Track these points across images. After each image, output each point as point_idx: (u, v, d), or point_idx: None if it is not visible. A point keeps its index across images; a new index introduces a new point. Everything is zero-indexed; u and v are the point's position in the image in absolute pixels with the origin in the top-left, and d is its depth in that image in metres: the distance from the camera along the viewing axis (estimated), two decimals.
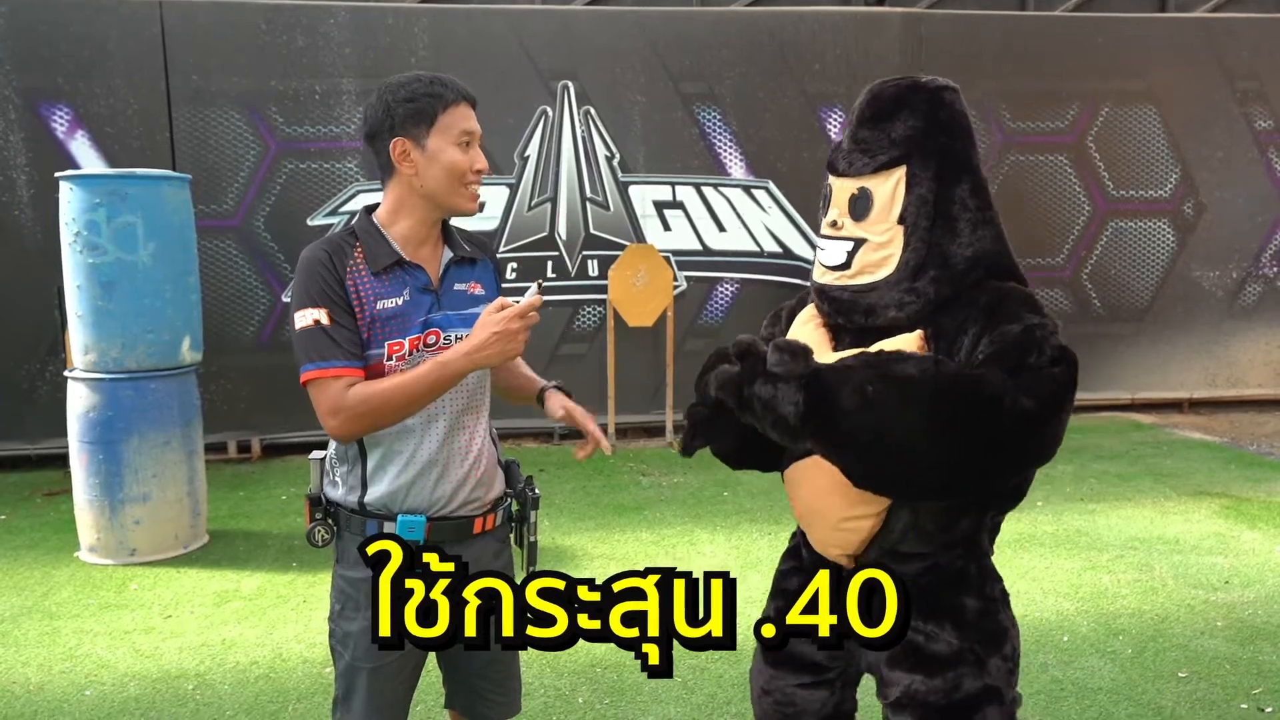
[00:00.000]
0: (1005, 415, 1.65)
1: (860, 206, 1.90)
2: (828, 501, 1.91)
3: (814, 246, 7.57)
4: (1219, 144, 8.19)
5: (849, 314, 1.92)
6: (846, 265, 1.90)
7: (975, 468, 1.69)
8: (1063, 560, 4.78)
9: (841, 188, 1.94)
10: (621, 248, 7.31)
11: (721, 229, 7.61)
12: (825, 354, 1.92)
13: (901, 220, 1.86)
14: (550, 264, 7.39)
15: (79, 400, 4.94)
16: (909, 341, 1.82)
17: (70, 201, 4.87)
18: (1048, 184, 7.99)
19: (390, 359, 1.96)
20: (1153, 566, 4.71)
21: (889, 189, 1.87)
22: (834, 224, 1.94)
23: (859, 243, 1.89)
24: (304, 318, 1.92)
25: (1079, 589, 4.44)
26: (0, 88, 6.60)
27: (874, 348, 1.83)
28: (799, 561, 2.15)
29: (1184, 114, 8.11)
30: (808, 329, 2.01)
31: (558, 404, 2.27)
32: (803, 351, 1.72)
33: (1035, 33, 7.98)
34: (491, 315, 1.93)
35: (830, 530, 1.96)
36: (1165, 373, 8.37)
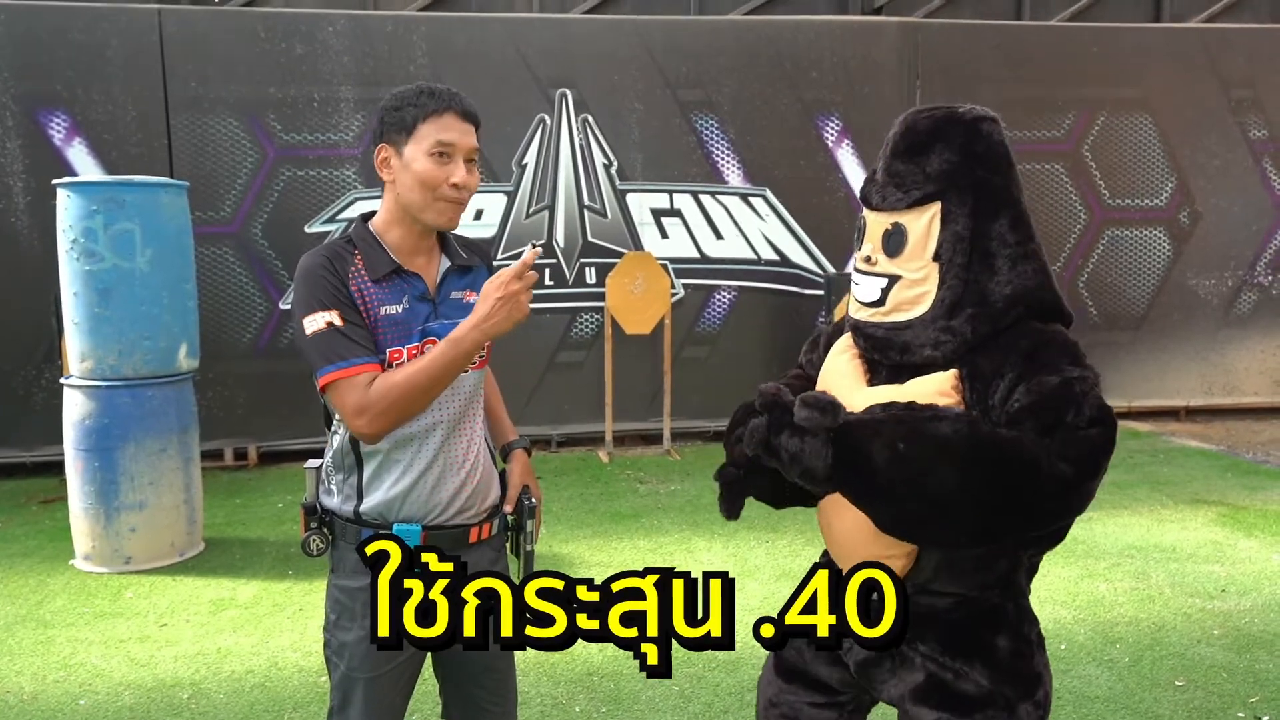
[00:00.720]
0: (1042, 480, 1.61)
1: (894, 242, 1.83)
2: (859, 538, 1.84)
3: (811, 254, 7.61)
4: (1214, 153, 8.21)
5: (884, 351, 1.86)
6: (881, 302, 1.85)
7: (1008, 526, 1.66)
8: (1059, 568, 4.78)
9: (875, 222, 1.88)
10: (619, 255, 7.31)
11: (719, 237, 7.62)
12: (860, 388, 1.89)
13: (937, 257, 1.80)
14: (548, 271, 7.39)
15: (75, 407, 4.93)
16: (943, 381, 1.77)
17: (67, 208, 4.87)
18: (1044, 192, 8.01)
19: (390, 366, 1.96)
20: (1149, 574, 4.71)
21: (923, 225, 1.81)
22: (868, 259, 1.88)
23: (893, 279, 1.83)
24: (315, 321, 1.89)
25: (1076, 597, 4.44)
26: None
27: (906, 385, 1.80)
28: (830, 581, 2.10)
29: (1180, 123, 8.13)
30: (843, 359, 1.97)
31: (514, 471, 2.25)
32: (831, 406, 1.68)
33: (1031, 42, 8.00)
34: (491, 284, 1.91)
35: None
36: (1162, 381, 8.38)
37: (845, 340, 2.01)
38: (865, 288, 1.88)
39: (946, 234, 1.80)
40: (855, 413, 1.72)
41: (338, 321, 1.90)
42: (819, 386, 1.99)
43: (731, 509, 1.93)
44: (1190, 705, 3.46)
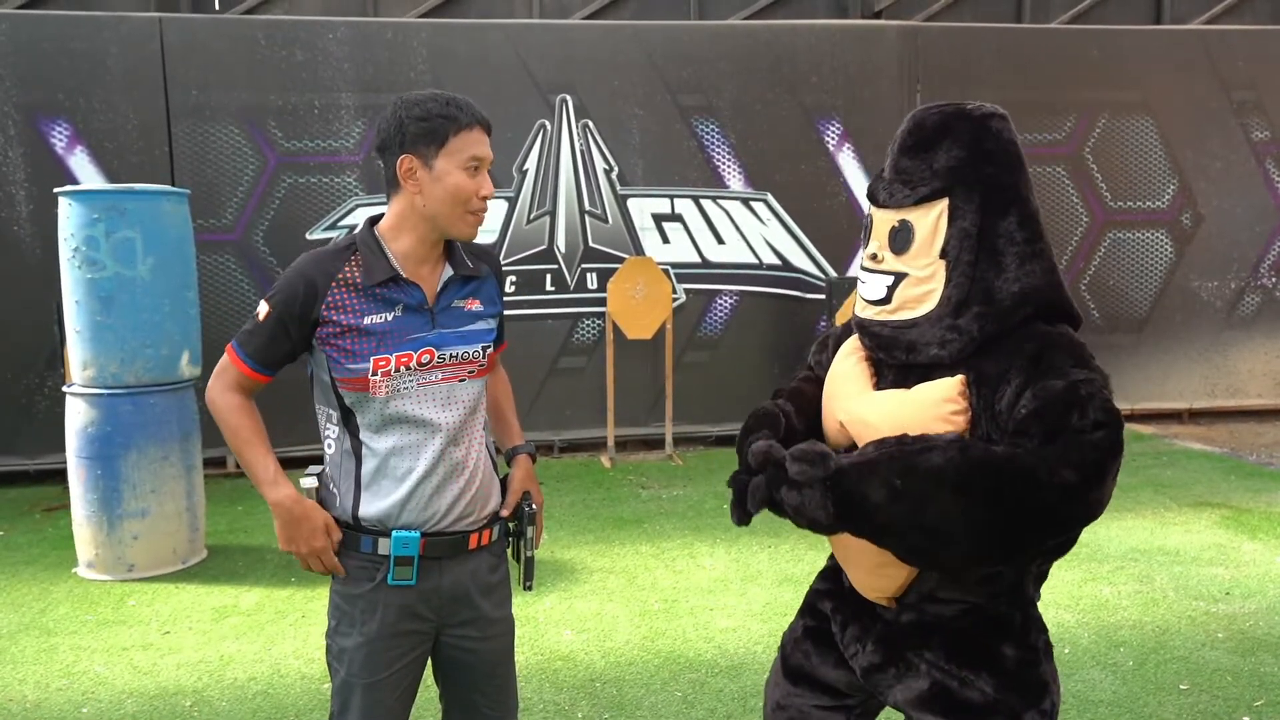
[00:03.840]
0: (1044, 489, 1.59)
1: (901, 240, 1.82)
2: (864, 547, 1.81)
3: (812, 258, 7.61)
4: (1216, 155, 8.21)
5: (890, 350, 1.85)
6: (887, 300, 1.84)
7: (1018, 542, 1.65)
8: (1063, 572, 4.77)
9: (882, 219, 1.87)
10: (620, 260, 7.32)
11: (720, 241, 7.62)
12: (865, 392, 1.88)
13: (944, 255, 1.79)
14: (549, 277, 7.40)
15: (77, 415, 4.93)
16: (949, 388, 1.76)
17: (69, 217, 4.87)
18: (1045, 195, 8.00)
19: (375, 374, 1.96)
20: (1153, 578, 4.70)
21: (930, 222, 1.79)
22: (874, 257, 1.87)
23: (900, 277, 1.82)
24: (260, 305, 2.04)
25: (1079, 601, 4.43)
26: (0, 103, 6.61)
27: (913, 391, 1.79)
28: (836, 586, 2.08)
29: (1181, 125, 8.13)
30: (850, 363, 1.96)
31: (516, 477, 2.26)
32: (820, 457, 1.69)
33: (1031, 45, 8.01)
34: (303, 533, 2.02)
35: (867, 573, 1.91)
36: (1164, 383, 8.37)
37: (852, 343, 2.00)
38: (871, 286, 1.87)
39: (954, 231, 1.79)
40: (849, 455, 1.72)
41: (261, 316, 2.01)
42: (825, 391, 1.99)
43: (743, 515, 1.91)
44: (1195, 709, 3.45)
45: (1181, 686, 3.62)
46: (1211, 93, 8.14)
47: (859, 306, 1.93)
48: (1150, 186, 8.18)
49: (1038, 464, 1.60)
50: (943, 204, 1.79)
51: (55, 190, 5.05)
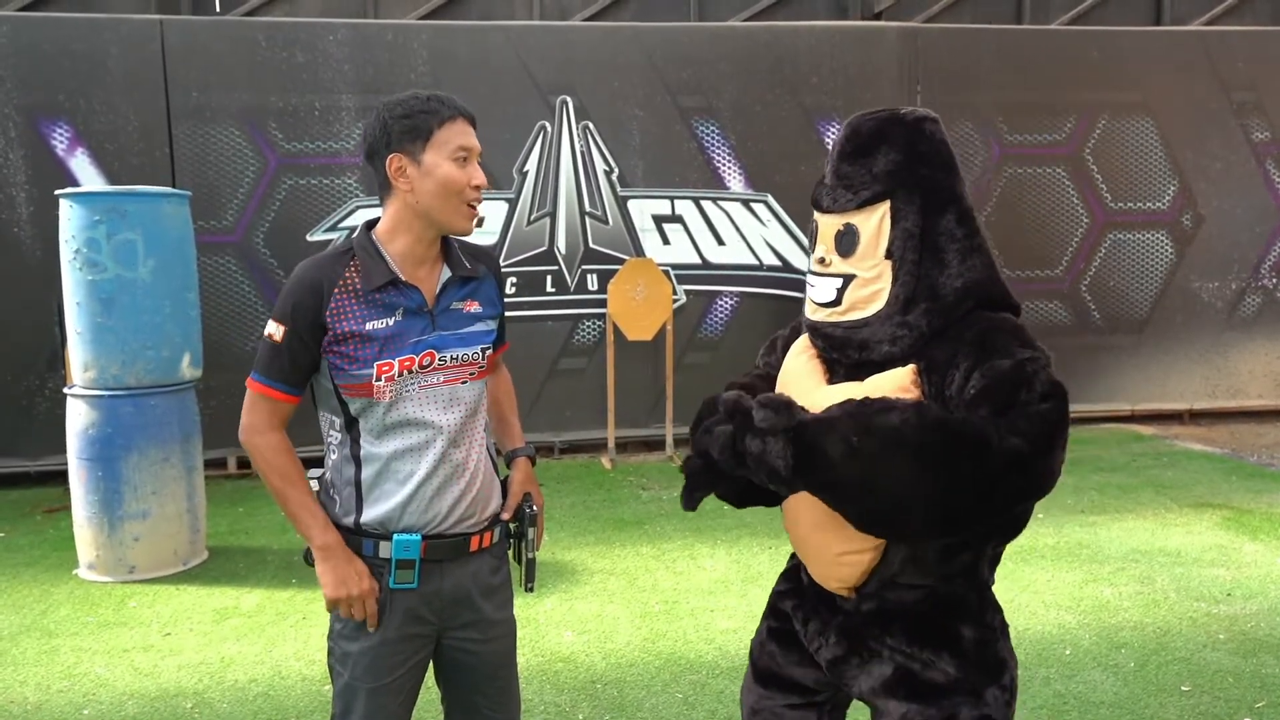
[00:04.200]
0: (994, 456, 1.64)
1: (846, 243, 1.89)
2: (825, 537, 1.89)
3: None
4: (1216, 155, 8.20)
5: (843, 350, 1.91)
6: (837, 302, 1.90)
7: (969, 509, 1.69)
8: (1064, 573, 4.77)
9: (827, 224, 1.93)
10: (621, 262, 7.32)
11: (720, 243, 7.62)
12: (820, 387, 1.92)
13: (889, 255, 1.85)
14: (549, 278, 7.40)
15: (78, 417, 4.93)
16: (901, 377, 1.81)
17: (70, 219, 4.88)
18: (1046, 196, 8.01)
19: (379, 379, 1.96)
20: (1154, 579, 4.70)
21: (874, 224, 1.86)
22: (822, 260, 1.93)
23: (848, 279, 1.88)
24: (269, 327, 2.00)
25: (1080, 602, 4.43)
26: (1, 105, 6.62)
27: (866, 382, 1.84)
28: (797, 585, 2.12)
29: (1181, 126, 8.13)
30: (801, 360, 2.01)
31: (516, 479, 2.26)
32: (785, 405, 1.75)
33: (1031, 46, 8.00)
34: (354, 579, 1.99)
35: (829, 564, 1.94)
36: (1165, 384, 8.37)
37: (803, 342, 2.04)
38: (820, 289, 1.93)
39: (897, 231, 1.85)
40: (812, 412, 1.76)
41: (278, 338, 1.97)
42: (779, 389, 2.02)
43: (691, 500, 1.98)
44: (1196, 710, 3.45)
45: (1183, 688, 3.61)
46: (1212, 93, 8.14)
47: (809, 309, 1.98)
48: (1150, 187, 8.18)
49: (989, 430, 1.66)
50: (885, 206, 1.86)
51: (56, 192, 5.05)
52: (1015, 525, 1.83)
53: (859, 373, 1.88)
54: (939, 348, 1.82)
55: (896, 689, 1.88)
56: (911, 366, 1.82)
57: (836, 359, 1.94)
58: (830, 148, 1.97)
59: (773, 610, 2.17)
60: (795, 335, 2.11)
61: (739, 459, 1.79)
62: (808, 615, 2.04)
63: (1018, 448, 1.64)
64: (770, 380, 2.10)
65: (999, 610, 1.97)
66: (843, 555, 1.89)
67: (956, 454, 1.65)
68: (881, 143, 1.87)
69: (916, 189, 1.85)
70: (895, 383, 1.81)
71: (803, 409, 1.77)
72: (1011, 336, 1.79)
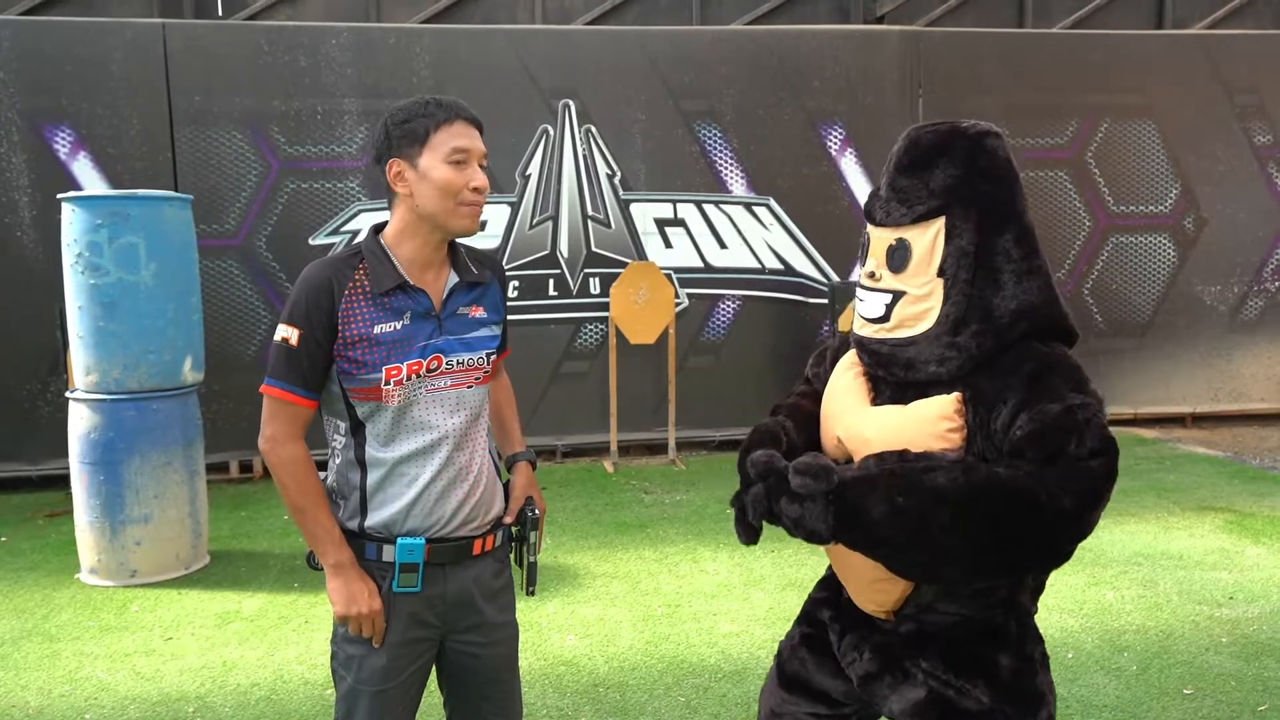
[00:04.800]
0: (1043, 513, 1.61)
1: (898, 258, 1.84)
2: (861, 563, 1.83)
3: (815, 263, 7.61)
4: (1219, 159, 8.20)
5: (889, 367, 1.86)
6: (885, 318, 1.85)
7: (1015, 564, 1.68)
8: (1067, 576, 4.76)
9: (879, 238, 1.88)
10: (623, 265, 7.32)
11: (723, 246, 7.62)
12: (863, 407, 1.89)
13: (941, 273, 1.80)
14: (552, 282, 7.40)
15: (80, 421, 4.94)
16: (945, 405, 1.77)
17: (72, 222, 4.88)
18: (1048, 199, 8.00)
19: (388, 383, 1.96)
20: (1157, 582, 4.69)
21: (928, 240, 1.80)
22: (872, 275, 1.88)
23: (898, 295, 1.83)
24: (280, 331, 1.98)
25: (1083, 605, 4.42)
26: (3, 109, 6.63)
27: (911, 408, 1.80)
28: (835, 595, 2.09)
29: (1183, 129, 8.13)
30: (848, 377, 1.97)
31: (518, 483, 2.27)
32: (824, 471, 1.70)
33: (1033, 49, 8.01)
34: (364, 597, 1.99)
35: (865, 587, 1.92)
36: (1168, 388, 8.36)
37: (850, 357, 2.00)
38: (870, 304, 1.88)
39: (951, 249, 1.79)
40: (851, 469, 1.72)
41: (294, 341, 1.95)
42: (824, 405, 2.00)
43: (749, 534, 1.87)
44: (1199, 714, 3.44)
45: (1185, 691, 3.61)
46: (1214, 97, 8.14)
47: (857, 324, 1.94)
48: (1153, 191, 8.17)
49: (1038, 489, 1.61)
50: (940, 222, 1.80)
51: (59, 196, 5.06)
52: (1056, 560, 1.78)
53: (904, 393, 1.84)
54: (987, 377, 1.77)
55: (927, 713, 1.85)
56: (957, 395, 1.77)
57: (882, 376, 1.90)
58: (887, 159, 1.91)
59: (808, 617, 2.14)
60: (845, 347, 2.06)
61: (774, 520, 1.77)
62: (844, 628, 2.01)
63: (1066, 507, 1.61)
64: (816, 397, 2.06)
65: (1040, 641, 1.92)
66: (878, 582, 1.86)
67: (1006, 517, 1.62)
68: (940, 156, 1.82)
69: (974, 205, 1.79)
70: (939, 411, 1.76)
71: (841, 467, 1.73)
72: (1066, 378, 1.73)
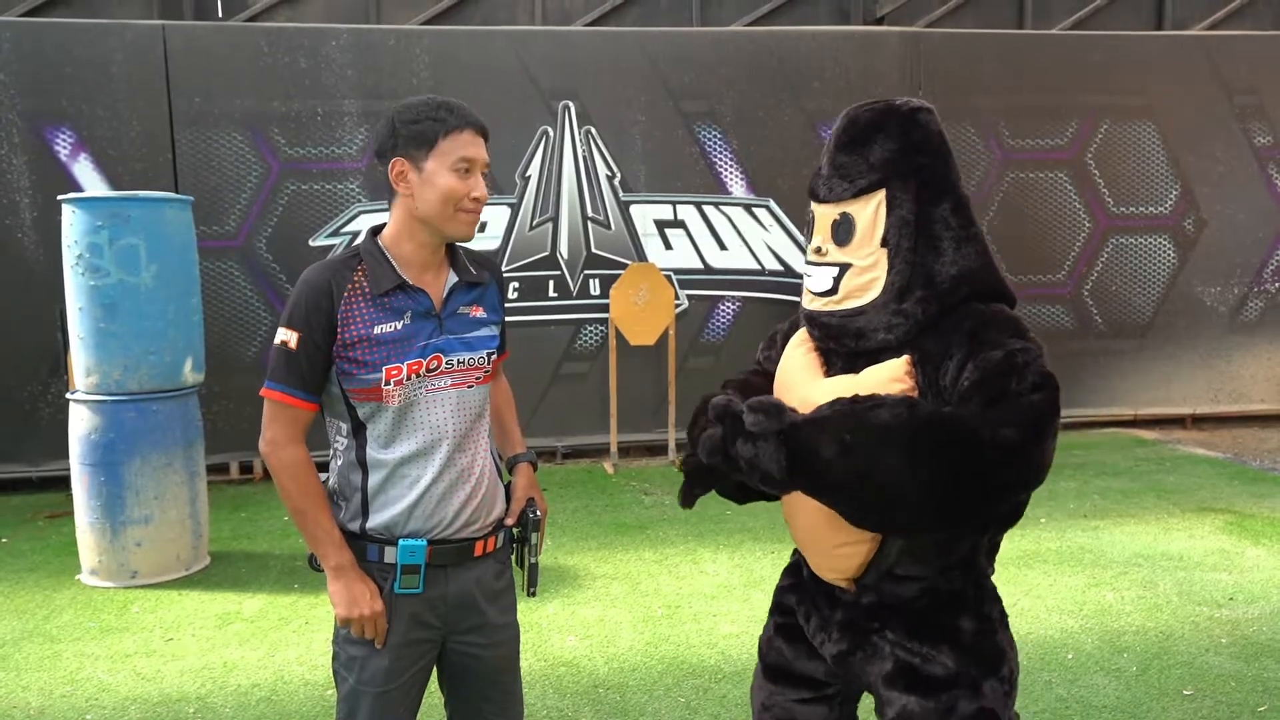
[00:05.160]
0: (985, 447, 1.65)
1: (843, 232, 1.91)
2: (822, 529, 1.91)
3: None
4: (1219, 160, 8.20)
5: (839, 338, 1.93)
6: (834, 291, 1.92)
7: (963, 502, 1.69)
8: (1067, 577, 4.76)
9: (823, 214, 1.96)
10: (623, 267, 7.32)
11: (723, 247, 7.63)
12: (816, 380, 1.94)
13: (884, 243, 1.87)
14: (552, 283, 7.40)
15: (81, 422, 4.94)
16: (895, 369, 1.83)
17: (72, 224, 4.88)
18: (1048, 201, 8.01)
19: (388, 383, 1.97)
20: (1157, 583, 4.69)
21: (870, 213, 1.88)
22: (819, 250, 1.96)
23: (844, 268, 1.91)
24: (280, 334, 1.99)
25: (1083, 606, 4.43)
26: (4, 111, 6.63)
27: (862, 375, 1.85)
28: (798, 579, 2.14)
29: (1183, 130, 8.13)
30: (799, 353, 2.02)
31: (519, 484, 2.29)
32: (776, 409, 1.75)
33: (1033, 50, 8.01)
34: (366, 599, 1.99)
35: (826, 555, 1.96)
36: (1168, 389, 8.36)
37: (801, 334, 2.06)
38: (817, 278, 1.96)
39: (893, 220, 1.87)
40: (802, 413, 1.77)
41: (293, 344, 1.95)
42: (777, 382, 2.04)
43: (689, 498, 2.00)
44: (1198, 715, 3.44)
45: (1185, 692, 3.61)
46: (1214, 98, 8.14)
47: (806, 300, 2.01)
48: (1153, 192, 8.18)
49: (980, 423, 1.67)
50: (880, 195, 1.88)
51: (59, 197, 5.06)
52: (1012, 515, 1.84)
53: (855, 363, 1.90)
54: (932, 339, 1.84)
55: (897, 682, 1.90)
56: (906, 358, 1.84)
57: (833, 349, 1.96)
58: (827, 140, 1.99)
59: (778, 606, 2.19)
60: (795, 329, 2.12)
61: (730, 463, 1.80)
62: (809, 610, 2.06)
63: (1008, 438, 1.65)
64: (768, 376, 2.11)
65: (998, 600, 1.98)
66: (840, 547, 1.91)
67: (947, 447, 1.66)
68: (878, 132, 1.90)
69: (912, 177, 1.87)
70: (890, 374, 1.82)
71: (793, 410, 1.78)
72: (1004, 328, 1.81)
